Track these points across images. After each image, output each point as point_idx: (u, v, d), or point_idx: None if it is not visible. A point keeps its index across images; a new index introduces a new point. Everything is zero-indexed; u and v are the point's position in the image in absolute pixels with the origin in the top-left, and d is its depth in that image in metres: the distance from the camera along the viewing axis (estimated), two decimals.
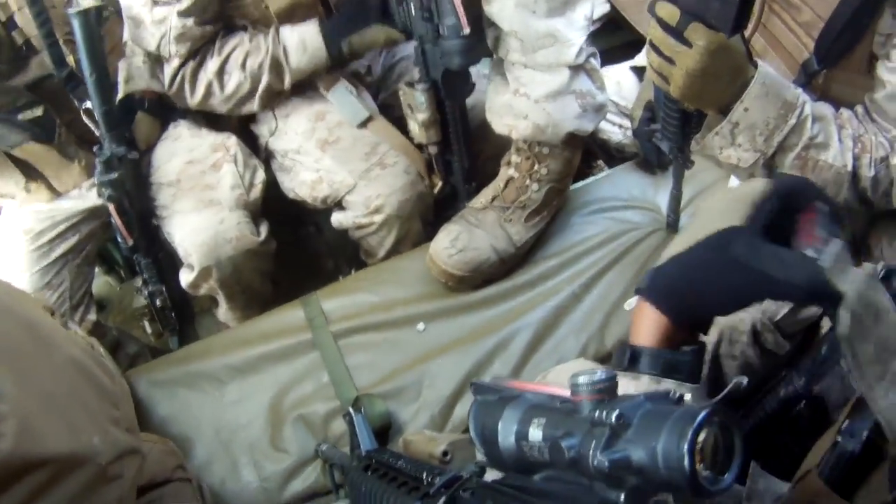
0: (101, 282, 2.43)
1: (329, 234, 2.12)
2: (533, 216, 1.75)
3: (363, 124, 1.94)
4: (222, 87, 1.85)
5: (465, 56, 1.65)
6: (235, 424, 1.58)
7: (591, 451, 0.66)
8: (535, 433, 0.76)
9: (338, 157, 1.86)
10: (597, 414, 0.68)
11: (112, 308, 2.42)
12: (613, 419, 0.66)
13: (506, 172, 1.78)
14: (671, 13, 1.20)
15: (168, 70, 1.82)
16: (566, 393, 0.77)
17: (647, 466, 0.62)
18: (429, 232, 1.91)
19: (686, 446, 0.60)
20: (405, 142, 1.91)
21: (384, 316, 1.71)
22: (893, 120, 1.33)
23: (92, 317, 2.04)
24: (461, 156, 1.86)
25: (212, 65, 1.82)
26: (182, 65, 1.81)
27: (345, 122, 1.91)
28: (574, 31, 1.59)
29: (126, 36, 1.84)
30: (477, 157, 1.95)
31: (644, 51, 1.94)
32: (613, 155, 2.12)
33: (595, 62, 1.67)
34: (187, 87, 1.84)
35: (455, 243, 1.70)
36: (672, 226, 1.78)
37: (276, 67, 1.84)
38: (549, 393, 0.82)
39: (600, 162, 2.29)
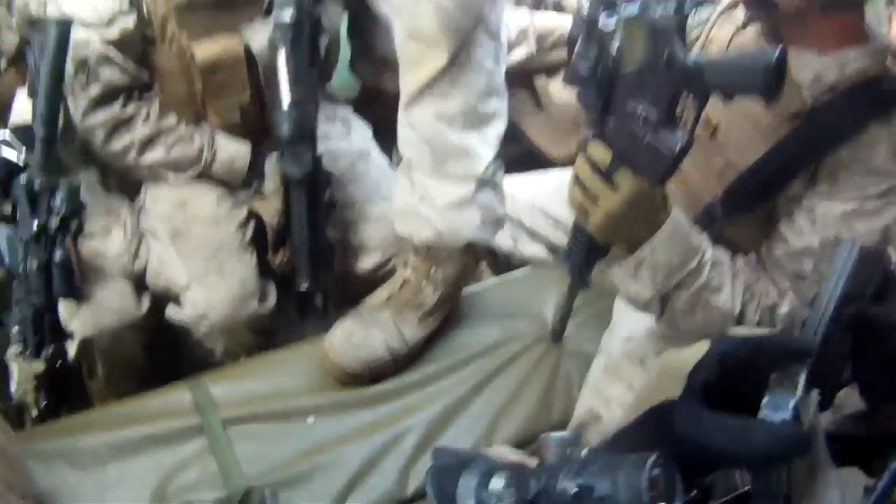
0: None
1: None
2: (426, 317, 1.91)
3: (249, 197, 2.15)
4: (140, 154, 1.99)
5: (291, 127, 1.84)
6: None
7: (559, 479, 0.80)
8: (497, 482, 0.90)
9: (182, 251, 2.02)
10: (568, 451, 0.83)
11: None
12: (583, 454, 0.84)
13: (402, 273, 1.94)
14: (603, 156, 1.38)
15: (83, 99, 1.92)
16: (526, 460, 0.92)
17: (609, 495, 0.77)
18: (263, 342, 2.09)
19: (645, 475, 0.75)
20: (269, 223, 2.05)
21: (274, 406, 1.80)
22: (789, 275, 1.53)
23: None
24: (302, 234, 2.00)
25: (141, 130, 1.97)
26: (99, 102, 1.91)
27: (201, 215, 2.06)
28: (485, 147, 1.79)
29: None
30: (329, 242, 2.10)
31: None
32: (500, 261, 2.27)
33: (499, 177, 1.87)
34: (101, 131, 1.96)
35: (350, 339, 1.84)
36: (556, 336, 1.97)
37: (202, 170, 2.04)
38: (509, 460, 0.96)
39: (484, 264, 2.44)
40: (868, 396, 1.07)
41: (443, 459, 1.05)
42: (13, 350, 1.90)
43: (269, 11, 1.82)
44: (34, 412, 1.93)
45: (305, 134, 1.89)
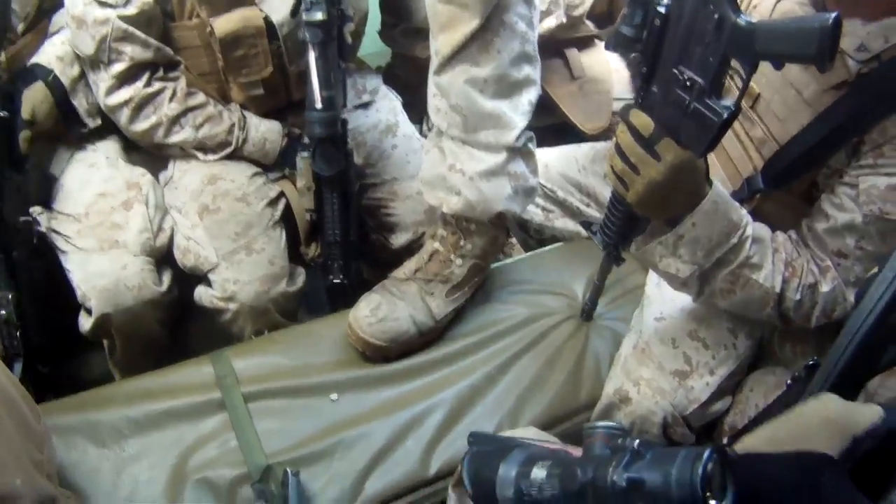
0: None
1: None
2: (454, 291, 1.87)
3: (279, 178, 2.11)
4: (168, 133, 1.96)
5: (323, 128, 1.83)
6: (135, 481, 1.59)
7: (609, 471, 0.76)
8: (539, 472, 0.86)
9: (210, 229, 1.98)
10: (619, 441, 0.79)
11: None
12: (636, 445, 0.80)
13: (431, 245, 1.90)
14: (645, 124, 1.34)
15: (106, 78, 1.90)
16: (570, 449, 0.87)
17: (659, 490, 0.74)
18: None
19: (700, 471, 0.73)
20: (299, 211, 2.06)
21: (297, 381, 1.77)
22: (830, 252, 1.49)
23: None
24: (334, 230, 1.98)
25: (169, 109, 1.93)
26: (123, 80, 1.89)
27: (232, 190, 2.02)
28: (517, 115, 1.73)
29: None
30: (365, 234, 2.12)
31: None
32: (531, 235, 2.22)
33: (532, 146, 1.82)
34: (128, 111, 1.93)
35: (376, 312, 1.80)
36: (587, 314, 1.93)
37: (233, 151, 2.04)
38: (550, 447, 0.91)
39: (513, 240, 2.39)
40: None
41: (480, 445, 1.01)
42: None
43: (297, 7, 1.78)
44: None
45: (336, 133, 1.86)
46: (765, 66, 1.19)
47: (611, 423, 0.87)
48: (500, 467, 0.91)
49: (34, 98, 1.84)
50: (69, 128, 2.01)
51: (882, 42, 1.39)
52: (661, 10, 1.26)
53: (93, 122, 2.00)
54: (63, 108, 1.94)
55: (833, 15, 1.07)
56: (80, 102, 1.95)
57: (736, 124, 1.63)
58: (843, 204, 1.47)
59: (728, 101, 1.21)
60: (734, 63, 1.22)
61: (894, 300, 1.01)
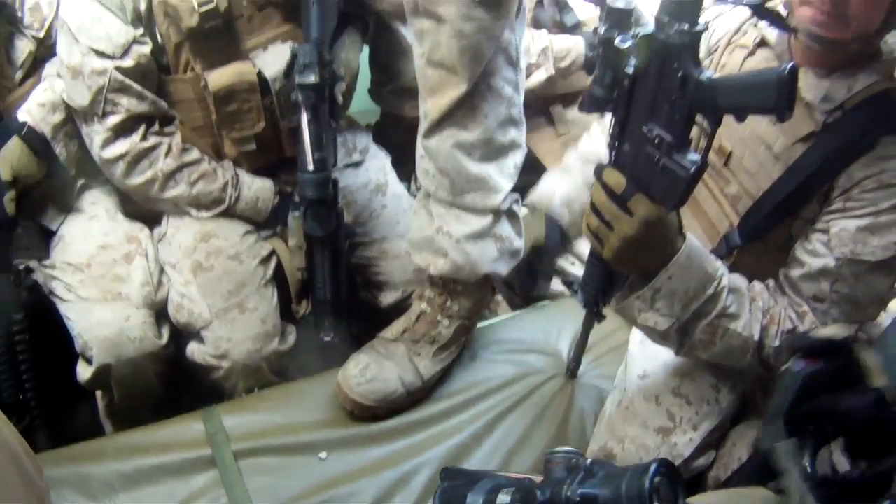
0: None
1: None
2: (441, 351, 1.90)
3: (270, 236, 2.13)
4: (163, 189, 1.98)
5: (315, 190, 1.86)
6: None
7: (563, 489, 0.82)
8: (504, 498, 0.92)
9: (203, 286, 2.00)
10: (573, 461, 0.84)
11: None
12: (588, 463, 0.87)
13: (418, 306, 1.93)
14: (618, 181, 1.40)
15: (101, 130, 1.91)
16: (532, 476, 0.93)
17: (612, 503, 0.79)
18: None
19: (647, 483, 0.78)
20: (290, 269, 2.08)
21: (287, 439, 1.79)
22: (806, 297, 1.53)
23: None
24: (325, 289, 2.01)
25: (164, 164, 1.96)
26: (119, 133, 1.91)
27: (225, 248, 2.04)
28: (503, 178, 1.78)
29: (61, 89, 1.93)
30: (355, 292, 2.14)
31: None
32: (517, 294, 2.26)
33: (517, 208, 1.86)
34: (123, 165, 1.94)
35: (364, 372, 1.83)
36: (572, 372, 1.96)
37: (227, 209, 2.05)
38: (516, 477, 0.97)
39: (499, 297, 2.43)
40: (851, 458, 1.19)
41: (451, 479, 1.06)
42: None
43: (290, 69, 1.83)
44: None
45: (328, 194, 1.89)
46: (734, 123, 1.25)
47: (569, 449, 0.92)
48: (467, 497, 0.95)
49: (11, 157, 1.85)
50: (57, 178, 2.03)
51: (845, 91, 1.45)
52: (630, 70, 1.32)
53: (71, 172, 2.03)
54: (47, 157, 1.94)
55: (789, 65, 1.14)
56: (60, 151, 1.97)
57: (711, 183, 1.69)
58: (817, 250, 1.51)
59: (695, 156, 1.27)
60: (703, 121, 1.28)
61: None
